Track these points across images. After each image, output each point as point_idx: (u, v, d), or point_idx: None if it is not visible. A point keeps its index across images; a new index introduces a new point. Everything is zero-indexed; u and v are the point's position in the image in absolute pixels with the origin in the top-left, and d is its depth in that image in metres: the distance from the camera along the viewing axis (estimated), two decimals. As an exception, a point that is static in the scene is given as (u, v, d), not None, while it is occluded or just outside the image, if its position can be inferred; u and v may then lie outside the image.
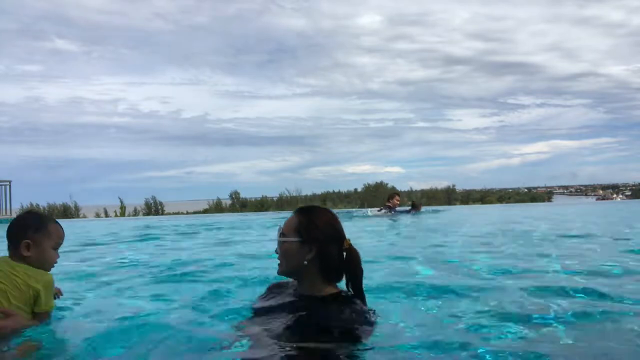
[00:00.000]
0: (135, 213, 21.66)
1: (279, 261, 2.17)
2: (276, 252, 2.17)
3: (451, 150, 47.09)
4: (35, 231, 2.26)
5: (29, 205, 20.62)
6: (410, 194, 27.15)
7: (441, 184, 28.28)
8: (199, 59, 45.34)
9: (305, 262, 2.07)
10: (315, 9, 42.24)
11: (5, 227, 2.30)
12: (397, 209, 12.79)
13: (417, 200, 16.16)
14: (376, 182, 27.08)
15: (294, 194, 24.40)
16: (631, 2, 38.98)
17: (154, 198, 22.67)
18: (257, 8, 41.38)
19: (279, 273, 2.18)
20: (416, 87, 46.37)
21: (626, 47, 44.97)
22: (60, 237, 2.35)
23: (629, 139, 49.46)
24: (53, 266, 2.34)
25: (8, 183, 17.28)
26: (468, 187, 30.26)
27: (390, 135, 46.34)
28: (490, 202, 26.58)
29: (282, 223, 2.19)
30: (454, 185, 28.29)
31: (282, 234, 2.14)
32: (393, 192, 13.89)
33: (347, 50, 43.96)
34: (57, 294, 2.52)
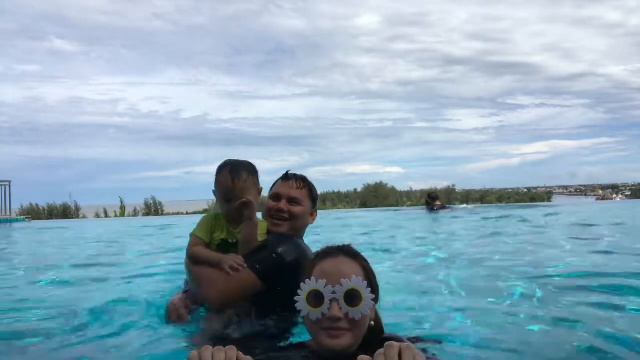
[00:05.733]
0: (135, 213, 21.66)
1: (341, 329, 1.42)
2: (331, 318, 1.40)
3: (451, 150, 47.19)
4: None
5: (28, 206, 20.60)
6: (409, 194, 27.16)
7: (441, 184, 28.26)
8: (198, 59, 45.38)
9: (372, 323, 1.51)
10: (314, 10, 42.31)
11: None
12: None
13: (434, 194, 14.60)
14: (376, 182, 27.09)
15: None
16: (629, 3, 39.07)
17: (153, 198, 22.67)
18: (256, 9, 41.47)
19: (342, 348, 1.43)
20: (415, 87, 46.46)
21: (625, 47, 45.06)
22: (223, 187, 2.40)
23: (628, 139, 49.60)
24: (228, 214, 2.43)
25: (8, 183, 17.28)
26: (468, 187, 30.26)
27: (390, 135, 46.44)
28: (490, 202, 26.57)
29: (339, 268, 1.46)
30: (453, 185, 28.26)
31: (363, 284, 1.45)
32: (435, 193, 14.88)
33: (346, 51, 44.02)
34: (183, 314, 2.47)
